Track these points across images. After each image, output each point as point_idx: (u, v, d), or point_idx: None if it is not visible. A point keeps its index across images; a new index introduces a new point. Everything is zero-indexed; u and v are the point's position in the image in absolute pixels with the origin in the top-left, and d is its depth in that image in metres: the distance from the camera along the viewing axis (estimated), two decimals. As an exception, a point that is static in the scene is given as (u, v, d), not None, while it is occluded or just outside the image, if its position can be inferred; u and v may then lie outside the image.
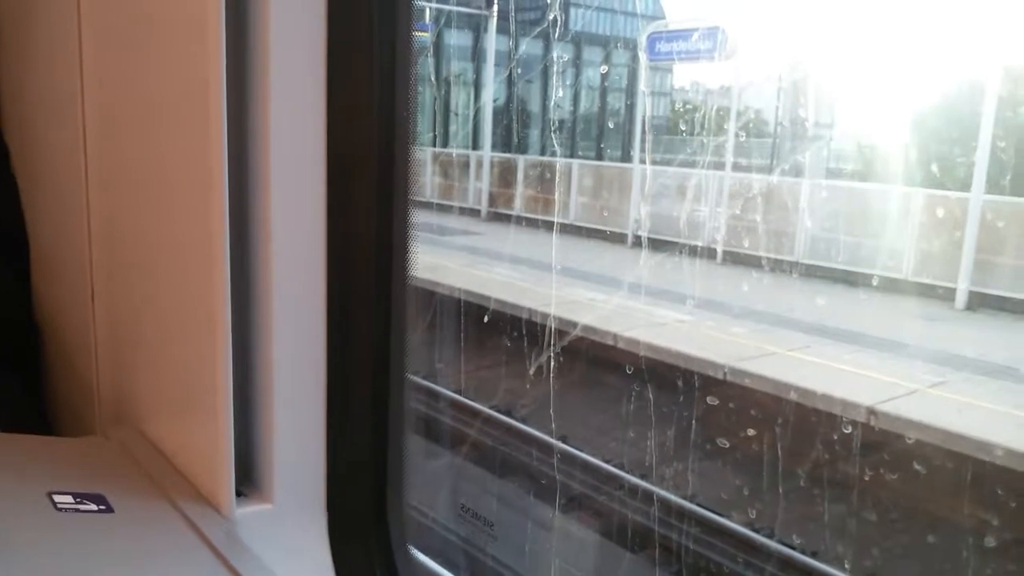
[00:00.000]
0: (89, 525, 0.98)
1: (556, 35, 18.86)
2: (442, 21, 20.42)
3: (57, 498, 1.00)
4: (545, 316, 9.72)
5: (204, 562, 0.95)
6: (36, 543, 0.93)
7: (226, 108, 0.98)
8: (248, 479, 1.12)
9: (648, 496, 7.00)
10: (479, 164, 19.63)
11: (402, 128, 1.08)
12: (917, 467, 6.85)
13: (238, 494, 1.07)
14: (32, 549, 0.91)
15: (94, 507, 1.00)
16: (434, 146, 20.98)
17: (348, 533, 1.16)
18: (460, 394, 9.05)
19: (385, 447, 1.18)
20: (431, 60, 21.47)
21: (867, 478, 6.95)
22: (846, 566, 6.26)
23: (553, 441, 7.83)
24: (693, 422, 7.87)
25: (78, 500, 1.00)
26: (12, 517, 0.96)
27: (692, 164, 14.91)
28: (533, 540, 7.12)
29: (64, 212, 1.48)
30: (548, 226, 16.12)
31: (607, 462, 7.57)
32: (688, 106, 21.29)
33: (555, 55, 21.59)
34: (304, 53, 1.02)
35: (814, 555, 6.30)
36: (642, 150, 17.32)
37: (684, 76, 22.09)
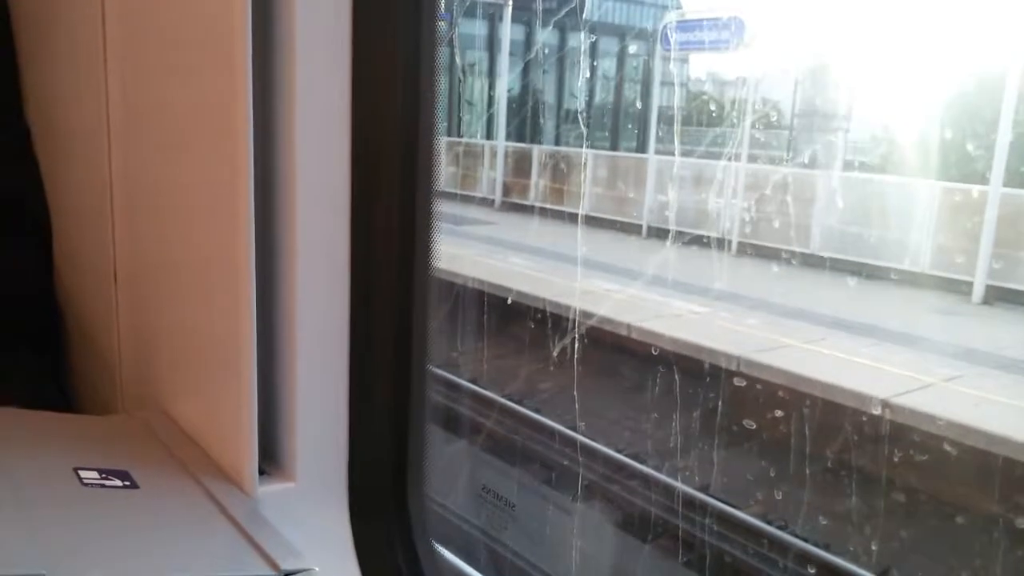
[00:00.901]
0: (115, 500, 0.99)
1: (572, 24, 18.79)
2: (457, 10, 20.37)
3: (83, 473, 1.01)
4: (558, 306, 9.72)
5: (228, 537, 0.96)
6: (63, 516, 0.94)
7: (251, 96, 0.99)
8: (270, 458, 1.13)
9: (659, 485, 7.00)
10: (493, 154, 19.61)
11: (426, 122, 1.09)
12: (932, 460, 6.81)
13: (260, 472, 1.08)
14: (59, 522, 0.92)
15: (119, 483, 1.01)
16: (448, 135, 20.97)
17: (369, 514, 1.17)
18: (475, 383, 9.07)
19: (406, 433, 1.19)
20: (446, 49, 21.42)
21: (881, 471, 6.93)
22: (861, 558, 6.25)
23: (566, 430, 7.84)
24: (706, 412, 7.87)
25: (103, 476, 1.01)
26: (39, 491, 0.98)
27: (708, 155, 14.85)
28: (551, 527, 7.14)
29: (87, 194, 1.48)
30: (562, 216, 16.10)
31: (620, 451, 7.58)
32: (704, 96, 21.19)
33: (570, 45, 21.53)
34: (330, 49, 1.03)
35: (827, 547, 6.29)
36: (657, 140, 17.25)
37: (700, 66, 21.97)
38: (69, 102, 1.55)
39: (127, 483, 1.01)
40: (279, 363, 1.11)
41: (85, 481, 0.99)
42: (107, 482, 1.00)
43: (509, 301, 10.39)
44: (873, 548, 6.35)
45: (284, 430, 1.12)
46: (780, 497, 7.00)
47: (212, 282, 1.13)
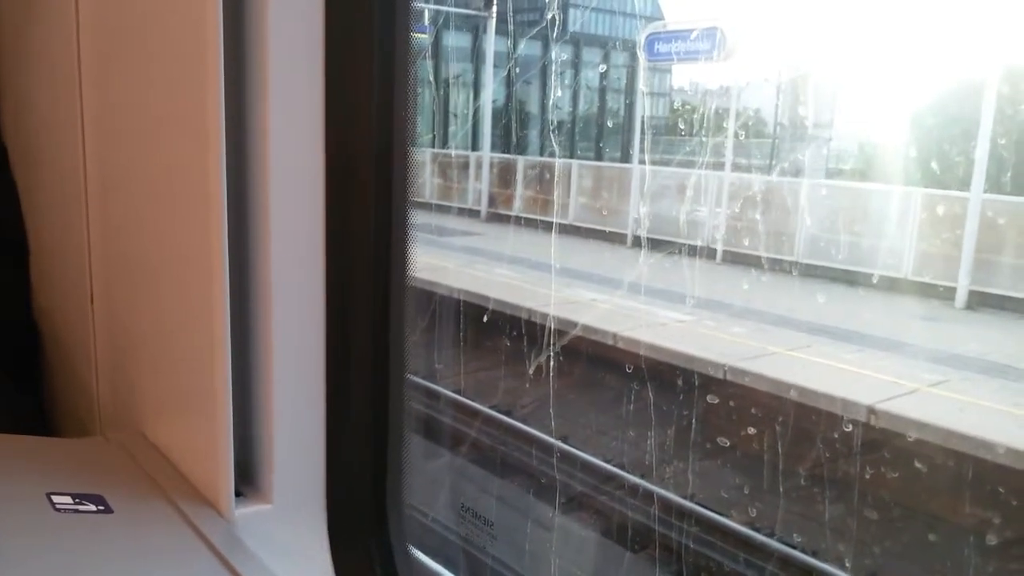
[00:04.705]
0: (88, 526, 0.97)
1: (554, 36, 18.86)
2: (440, 23, 20.42)
3: (56, 499, 0.99)
4: (545, 316, 9.71)
5: (204, 562, 0.94)
6: (34, 544, 0.92)
7: (224, 109, 0.98)
8: (247, 480, 1.12)
9: (647, 495, 6.99)
10: (478, 165, 19.62)
11: (401, 129, 1.08)
12: (917, 466, 6.84)
13: (237, 494, 1.07)
14: (30, 550, 0.91)
15: (93, 508, 1.00)
16: (433, 147, 20.98)
17: (348, 533, 1.16)
18: (460, 394, 9.05)
19: (385, 448, 1.18)
20: (430, 62, 21.48)
21: (867, 477, 6.95)
22: (847, 564, 6.25)
23: (552, 440, 7.83)
24: (693, 422, 7.87)
25: (77, 501, 1.00)
26: (10, 518, 0.96)
27: (691, 164, 14.91)
28: (533, 541, 7.11)
29: (63, 214, 1.47)
30: (548, 226, 16.10)
31: (607, 462, 7.57)
32: (687, 106, 21.30)
33: (554, 56, 21.60)
34: (302, 54, 1.02)
35: (814, 554, 6.30)
36: (641, 150, 17.31)
37: (683, 76, 22.12)
38: (46, 122, 1.54)
39: (101, 508, 1.00)
40: (255, 383, 1.10)
41: (58, 506, 0.98)
42: (80, 507, 0.99)
43: (489, 313, 10.37)
44: (853, 549, 6.38)
45: (261, 451, 1.11)
46: (766, 496, 7.01)
47: (188, 302, 1.13)
